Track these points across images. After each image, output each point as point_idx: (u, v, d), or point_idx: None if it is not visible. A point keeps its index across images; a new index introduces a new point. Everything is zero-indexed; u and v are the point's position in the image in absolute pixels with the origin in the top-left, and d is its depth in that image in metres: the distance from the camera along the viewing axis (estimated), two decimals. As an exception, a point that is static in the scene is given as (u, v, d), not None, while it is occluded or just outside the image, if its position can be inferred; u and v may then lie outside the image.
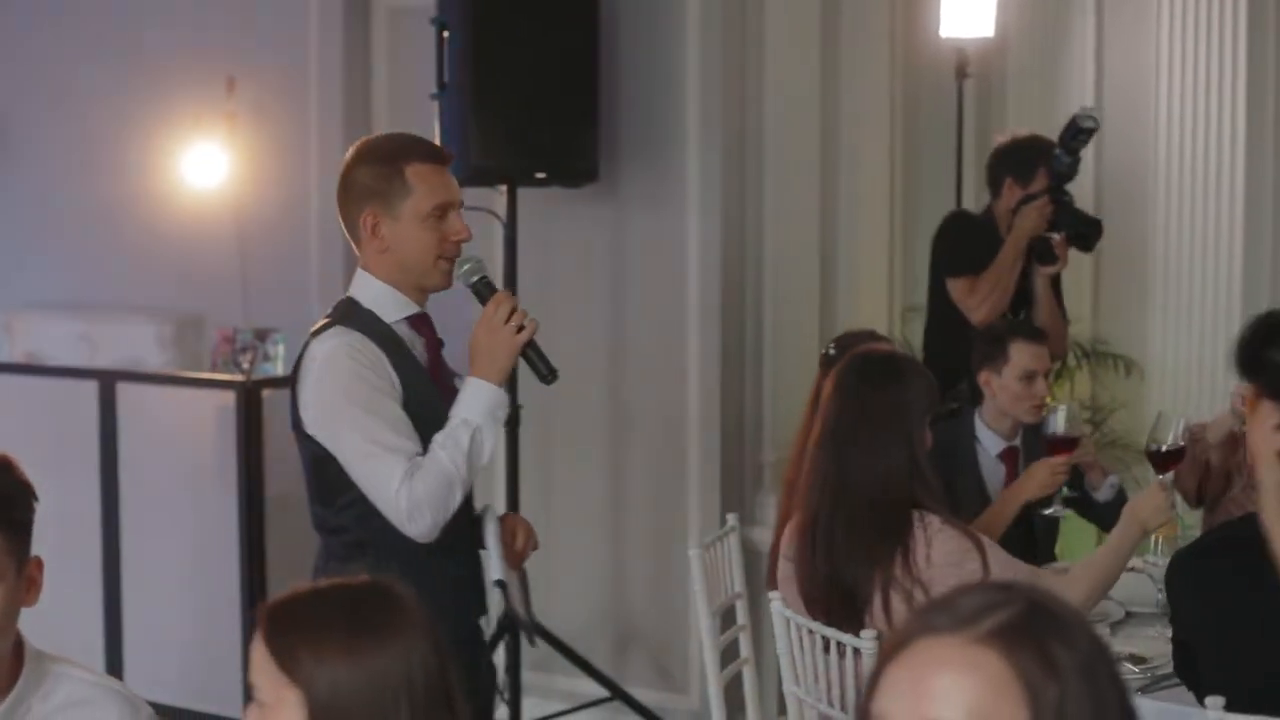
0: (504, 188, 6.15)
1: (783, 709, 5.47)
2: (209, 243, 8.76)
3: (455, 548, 3.76)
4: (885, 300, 6.93)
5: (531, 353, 3.77)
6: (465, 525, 3.80)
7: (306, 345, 3.75)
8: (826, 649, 3.96)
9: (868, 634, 3.77)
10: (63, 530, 6.15)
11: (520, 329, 3.72)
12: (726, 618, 4.90)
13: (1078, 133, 5.79)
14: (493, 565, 3.85)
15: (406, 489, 3.57)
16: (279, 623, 2.24)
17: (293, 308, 8.65)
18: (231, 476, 6.61)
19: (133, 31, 9.38)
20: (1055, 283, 6.08)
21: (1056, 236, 5.87)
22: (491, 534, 3.84)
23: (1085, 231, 5.94)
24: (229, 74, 8.87)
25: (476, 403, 3.69)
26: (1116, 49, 7.47)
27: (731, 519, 5.08)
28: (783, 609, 4.07)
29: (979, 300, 5.93)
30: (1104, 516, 5.00)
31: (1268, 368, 3.06)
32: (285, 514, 6.66)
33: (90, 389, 7.06)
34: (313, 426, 3.71)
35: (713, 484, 6.30)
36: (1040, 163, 5.92)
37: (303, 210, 8.89)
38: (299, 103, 8.81)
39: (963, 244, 6.03)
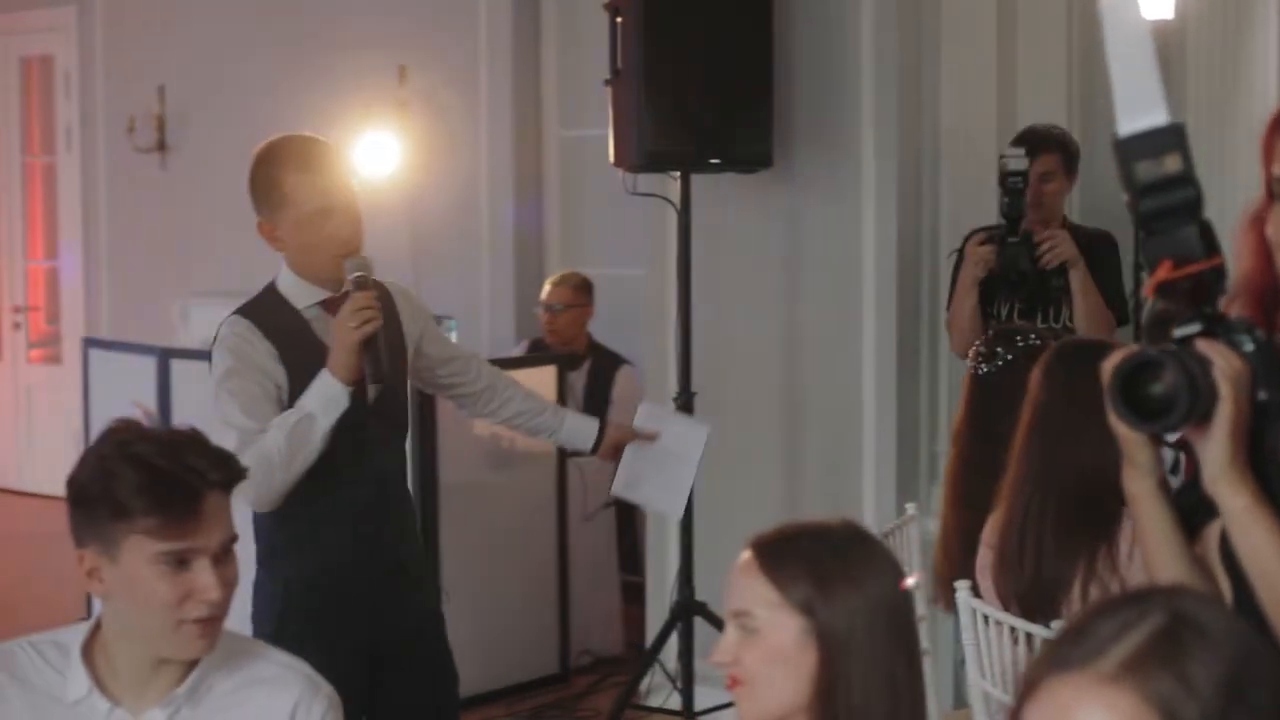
0: (677, 174, 6.12)
1: (959, 702, 5.41)
2: (381, 231, 8.75)
3: (355, 510, 4.08)
4: (1062, 288, 6.82)
5: (368, 350, 3.93)
6: (373, 487, 4.13)
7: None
8: (1015, 641, 3.89)
9: (1058, 625, 3.70)
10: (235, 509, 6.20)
11: (360, 326, 3.90)
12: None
13: (1004, 175, 5.54)
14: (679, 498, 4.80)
15: None
16: (777, 554, 2.48)
17: (464, 295, 8.71)
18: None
19: (304, 21, 9.48)
20: (1110, 275, 5.78)
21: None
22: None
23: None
24: (401, 63, 8.94)
25: (315, 392, 3.94)
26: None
27: (910, 508, 5.02)
28: (970, 599, 4.00)
29: (952, 337, 5.81)
30: None
31: None
32: (459, 502, 6.68)
33: (265, 374, 7.12)
34: None
35: (888, 474, 6.24)
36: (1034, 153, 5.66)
37: (473, 198, 8.94)
38: (470, 91, 8.87)
39: (954, 272, 5.88)
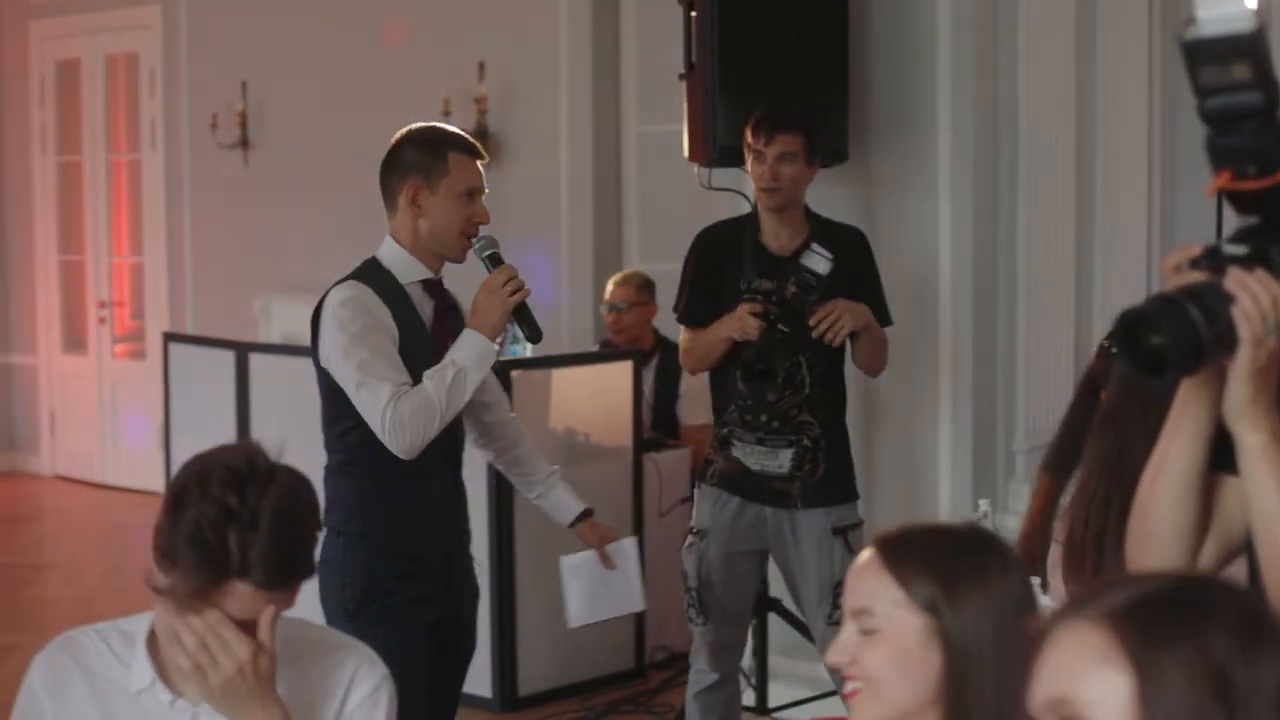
0: (752, 168, 6.09)
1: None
2: (460, 226, 8.84)
3: (432, 475, 4.38)
4: (1143, 287, 6.75)
5: (522, 314, 4.33)
6: (443, 455, 4.41)
7: (327, 293, 4.33)
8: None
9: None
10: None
11: (514, 294, 4.28)
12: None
13: (801, 270, 5.21)
14: (635, 596, 4.88)
15: (392, 408, 4.15)
16: (900, 551, 2.38)
17: (542, 289, 8.70)
18: (480, 456, 6.63)
19: (384, 18, 9.50)
20: (874, 283, 5.51)
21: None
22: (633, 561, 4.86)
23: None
24: (480, 58, 8.95)
25: (467, 349, 4.26)
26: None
27: (984, 505, 4.97)
28: (1040, 595, 3.96)
29: (689, 361, 5.67)
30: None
31: None
32: (533, 495, 6.67)
33: (344, 369, 7.15)
34: (324, 361, 4.30)
35: (964, 470, 6.19)
36: (748, 125, 5.39)
37: (553, 190, 8.94)
38: (549, 86, 8.86)
39: (688, 286, 5.66)
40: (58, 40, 12.02)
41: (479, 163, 4.44)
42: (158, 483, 10.04)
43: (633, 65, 8.83)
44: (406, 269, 4.37)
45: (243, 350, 7.47)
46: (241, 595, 2.60)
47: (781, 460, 5.35)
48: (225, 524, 2.56)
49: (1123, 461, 3.77)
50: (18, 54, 12.20)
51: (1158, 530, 2.36)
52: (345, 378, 4.23)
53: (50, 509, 11.42)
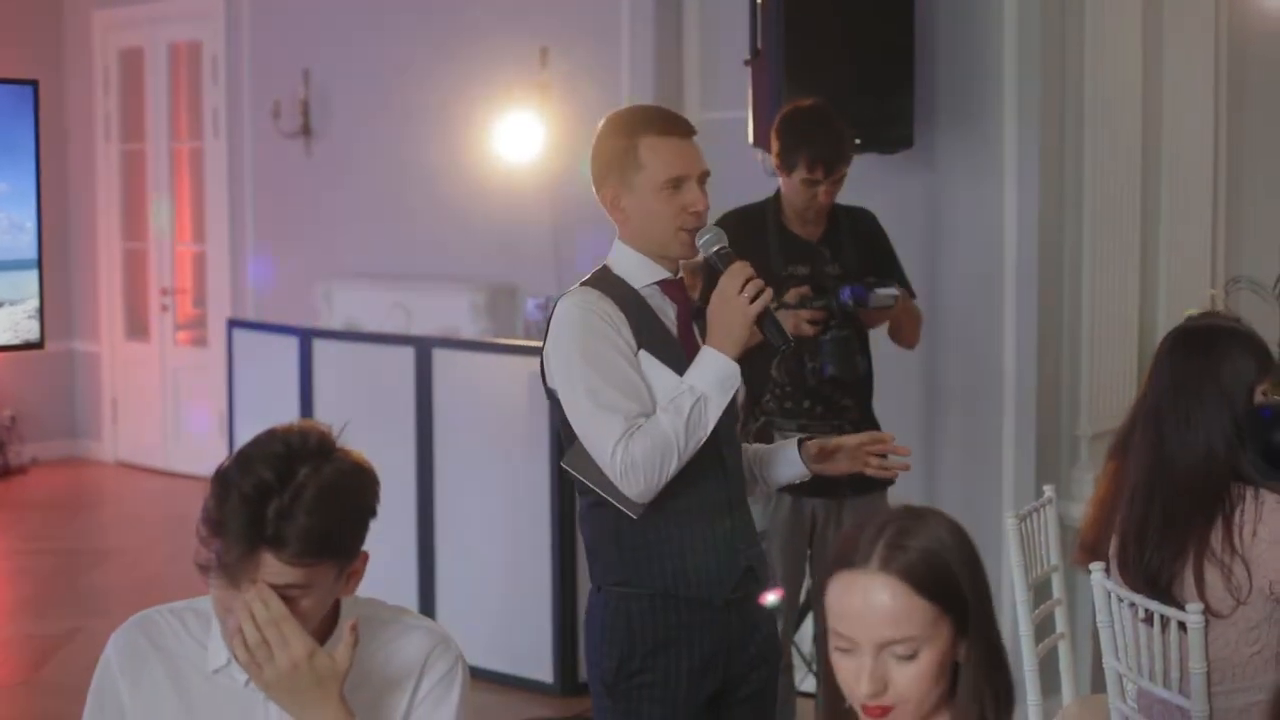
0: (817, 154, 6.06)
1: (1097, 686, 5.35)
2: (522, 213, 8.85)
3: (699, 503, 3.76)
4: (1208, 270, 6.72)
5: (766, 322, 3.69)
6: (714, 479, 3.79)
7: (555, 304, 3.81)
8: (1149, 622, 3.84)
9: (1194, 608, 3.65)
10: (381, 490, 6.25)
11: (755, 299, 3.66)
12: (1040, 592, 4.80)
13: (874, 304, 5.19)
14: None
15: (623, 449, 3.60)
16: (926, 570, 2.33)
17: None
18: (543, 442, 6.66)
19: (446, 5, 9.51)
20: (889, 257, 5.52)
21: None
22: None
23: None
24: (542, 45, 8.95)
25: (706, 372, 3.67)
26: None
27: (1048, 490, 4.96)
28: (1103, 580, 3.96)
29: None
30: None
31: None
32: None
33: (407, 355, 7.19)
34: (551, 380, 3.77)
35: (1028, 455, 6.17)
36: (804, 150, 5.23)
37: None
38: (611, 72, 8.84)
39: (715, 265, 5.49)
40: (121, 30, 12.09)
41: (686, 140, 3.79)
42: (220, 469, 10.09)
43: (696, 51, 8.80)
44: (639, 272, 3.80)
45: (306, 335, 7.49)
46: (271, 568, 2.61)
47: None
48: (267, 495, 2.58)
49: (1163, 455, 3.78)
50: (81, 44, 12.28)
51: None
52: (571, 405, 3.70)
53: (112, 495, 11.50)
